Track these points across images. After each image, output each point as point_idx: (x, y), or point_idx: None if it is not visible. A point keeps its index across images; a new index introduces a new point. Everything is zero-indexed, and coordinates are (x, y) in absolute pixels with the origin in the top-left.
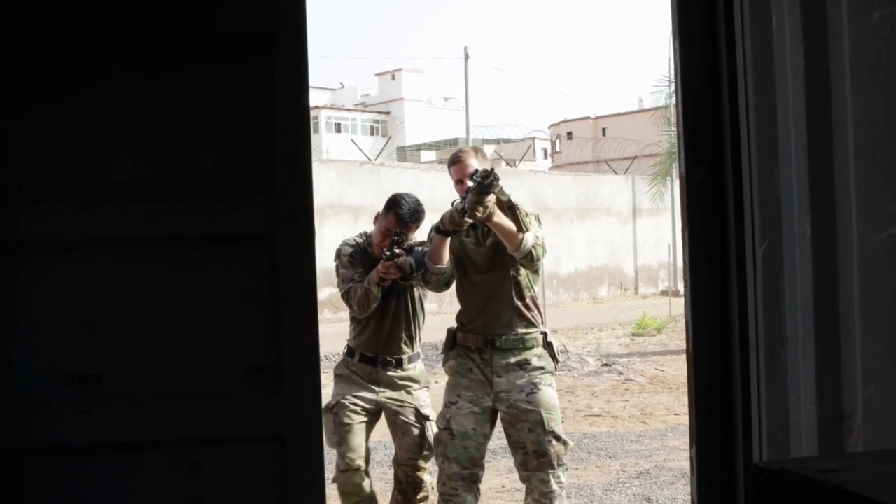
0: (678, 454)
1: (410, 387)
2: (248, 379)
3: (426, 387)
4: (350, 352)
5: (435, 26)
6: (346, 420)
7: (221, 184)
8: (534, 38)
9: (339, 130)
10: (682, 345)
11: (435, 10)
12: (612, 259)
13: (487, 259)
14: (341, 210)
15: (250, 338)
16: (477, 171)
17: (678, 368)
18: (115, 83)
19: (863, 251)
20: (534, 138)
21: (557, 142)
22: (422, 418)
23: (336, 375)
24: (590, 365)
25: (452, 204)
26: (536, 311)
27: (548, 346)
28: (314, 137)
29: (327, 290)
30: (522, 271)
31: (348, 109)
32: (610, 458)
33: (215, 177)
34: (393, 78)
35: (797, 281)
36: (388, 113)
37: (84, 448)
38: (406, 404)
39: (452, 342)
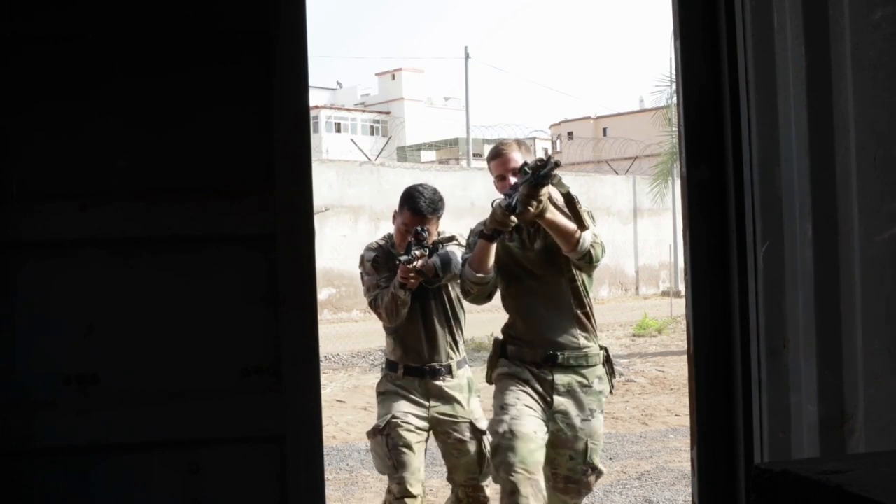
0: (679, 455)
1: (461, 398)
2: (248, 379)
3: (477, 395)
4: (391, 366)
5: (435, 26)
6: (402, 441)
7: (221, 183)
8: (534, 37)
9: (338, 130)
10: (683, 345)
11: (435, 10)
12: (612, 259)
13: (539, 263)
14: (341, 210)
15: (250, 338)
16: (524, 164)
17: (679, 369)
18: (115, 83)
19: (864, 252)
20: (534, 138)
21: (558, 142)
22: (478, 433)
23: (379, 394)
24: None
25: (492, 204)
26: (594, 322)
27: (607, 363)
28: (314, 137)
29: (327, 291)
30: (579, 275)
31: (348, 109)
32: (611, 459)
33: (215, 176)
34: (393, 78)
35: (798, 281)
36: (388, 113)
37: (84, 448)
38: (460, 419)
39: (502, 353)
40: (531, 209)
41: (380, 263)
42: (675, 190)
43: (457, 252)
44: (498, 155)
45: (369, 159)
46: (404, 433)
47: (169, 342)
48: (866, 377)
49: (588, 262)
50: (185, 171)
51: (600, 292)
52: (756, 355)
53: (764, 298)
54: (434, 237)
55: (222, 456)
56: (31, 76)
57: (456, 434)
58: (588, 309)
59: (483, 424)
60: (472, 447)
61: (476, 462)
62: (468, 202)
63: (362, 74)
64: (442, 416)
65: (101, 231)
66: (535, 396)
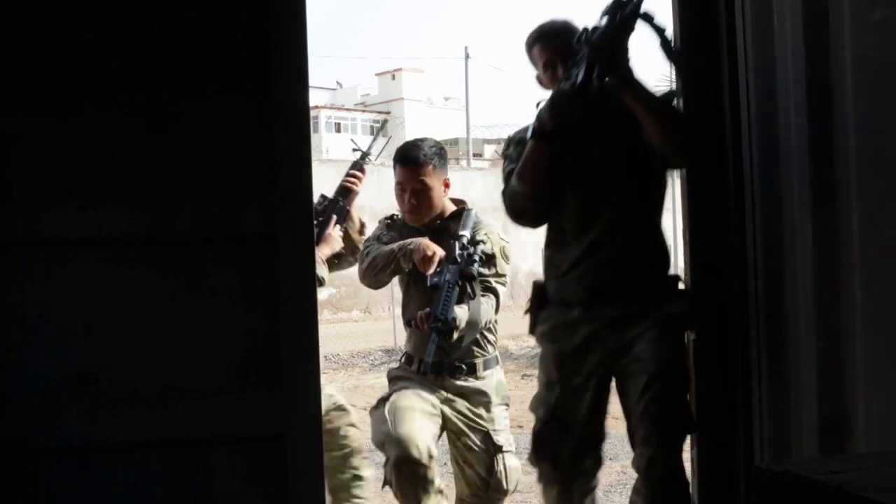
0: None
1: (484, 402)
2: (248, 379)
3: (506, 404)
4: (408, 358)
5: (435, 26)
6: (407, 403)
7: (221, 183)
8: None
9: (338, 130)
10: None
11: (435, 10)
12: None
13: (611, 169)
14: None
15: (250, 338)
16: (579, 36)
17: None
18: (114, 82)
19: (864, 251)
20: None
21: None
22: (493, 447)
23: (390, 380)
24: None
25: (537, 106)
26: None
27: (684, 296)
28: (314, 137)
29: (327, 291)
30: (667, 180)
31: (348, 109)
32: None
33: (215, 177)
34: (393, 78)
35: (798, 281)
36: (388, 113)
37: (84, 448)
38: (476, 425)
39: (543, 299)
40: (614, 72)
41: (393, 226)
42: (675, 190)
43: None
44: (545, 35)
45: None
46: (412, 399)
47: (169, 342)
48: (867, 377)
49: (684, 151)
50: (185, 171)
51: None
52: (756, 355)
53: (764, 298)
54: (438, 202)
55: (222, 456)
56: (30, 76)
57: (466, 439)
58: (661, 229)
59: (503, 439)
60: (482, 460)
61: (482, 480)
62: (468, 202)
63: (362, 74)
64: (455, 414)
65: (100, 231)
66: (589, 358)
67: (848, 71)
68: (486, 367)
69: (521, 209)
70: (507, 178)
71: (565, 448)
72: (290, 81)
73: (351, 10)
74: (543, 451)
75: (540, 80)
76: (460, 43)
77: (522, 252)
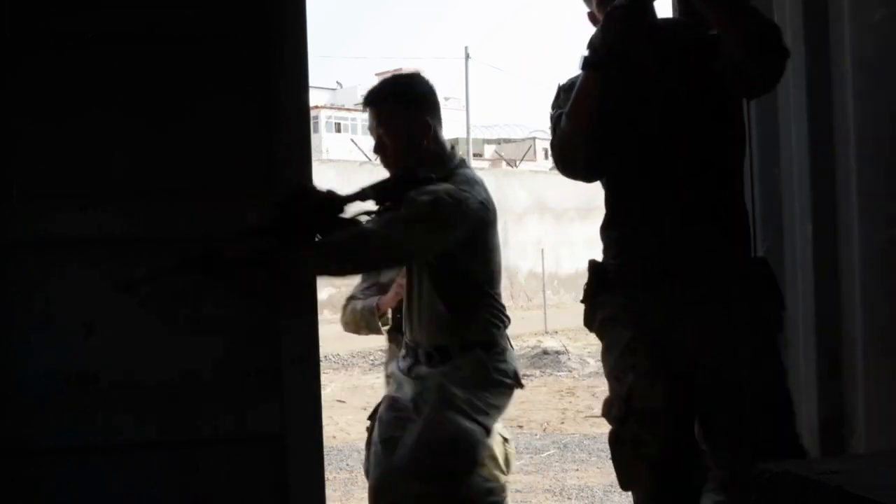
0: None
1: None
2: (248, 379)
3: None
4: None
5: (435, 26)
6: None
7: (221, 184)
8: (534, 37)
9: (338, 130)
10: None
11: (435, 10)
12: None
13: (678, 114)
14: None
15: (250, 338)
16: None
17: None
18: (114, 82)
19: (864, 252)
20: (534, 138)
21: None
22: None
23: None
24: (590, 366)
25: (588, 45)
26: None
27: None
28: (314, 137)
29: (327, 291)
30: (745, 133)
31: (348, 109)
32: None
33: (215, 177)
34: None
35: (798, 281)
36: None
37: (84, 448)
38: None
39: (602, 280)
40: None
41: None
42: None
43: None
44: None
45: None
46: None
47: (169, 342)
48: (866, 377)
49: (764, 53)
50: (185, 171)
51: None
52: None
53: None
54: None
55: (222, 456)
56: (31, 77)
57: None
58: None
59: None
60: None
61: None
62: None
63: (362, 74)
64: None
65: (100, 231)
66: (659, 345)
67: (849, 71)
68: (458, 354)
69: (570, 156)
70: (555, 125)
71: (649, 445)
72: (290, 81)
73: (351, 10)
74: (622, 453)
75: (592, 17)
76: (460, 43)
77: (523, 252)
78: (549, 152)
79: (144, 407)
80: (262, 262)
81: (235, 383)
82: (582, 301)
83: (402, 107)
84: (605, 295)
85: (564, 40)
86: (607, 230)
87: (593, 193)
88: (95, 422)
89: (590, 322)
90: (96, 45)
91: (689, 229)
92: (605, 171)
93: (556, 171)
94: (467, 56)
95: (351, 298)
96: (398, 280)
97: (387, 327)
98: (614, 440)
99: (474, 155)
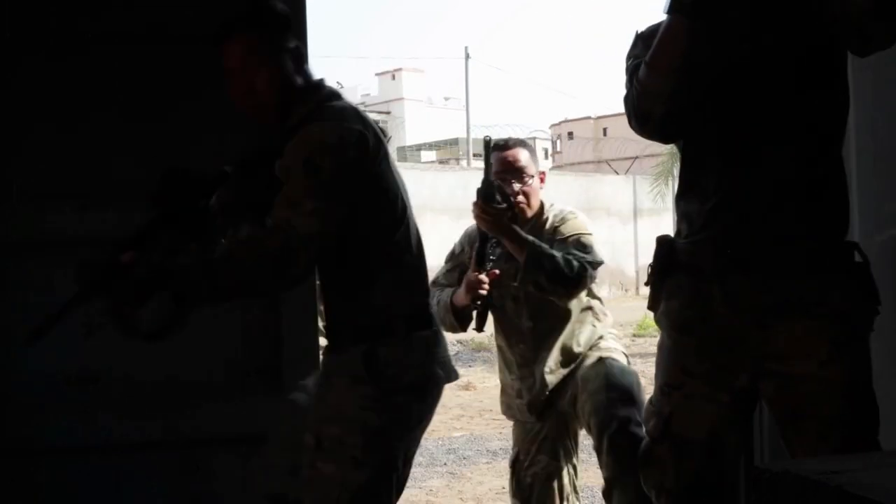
0: None
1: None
2: (248, 379)
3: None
4: None
5: (435, 26)
6: None
7: None
8: (534, 37)
9: None
10: None
11: (435, 10)
12: (612, 259)
13: (776, 72)
14: None
15: (251, 338)
16: None
17: None
18: (114, 82)
19: (865, 252)
20: (534, 138)
21: (558, 142)
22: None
23: None
24: None
25: None
26: None
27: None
28: None
29: None
30: (849, 98)
31: None
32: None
33: None
34: (393, 78)
35: None
36: (388, 113)
37: (84, 448)
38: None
39: (669, 263)
40: None
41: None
42: (675, 190)
43: None
44: None
45: None
46: None
47: (169, 343)
48: None
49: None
50: None
51: (600, 292)
52: None
53: None
54: None
55: (222, 456)
56: (31, 78)
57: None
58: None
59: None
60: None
61: None
62: (468, 202)
63: (362, 74)
64: None
65: (100, 231)
66: (723, 356)
67: (848, 71)
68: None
69: (646, 110)
70: (631, 76)
71: (673, 478)
72: None
73: (351, 10)
74: (649, 477)
75: None
76: (460, 43)
77: None
78: (547, 154)
79: (144, 407)
80: (158, 278)
81: (235, 383)
82: (646, 283)
83: (259, 35)
84: (672, 279)
85: (564, 40)
86: (680, 200)
87: (593, 195)
88: (95, 422)
89: (654, 307)
90: (96, 46)
91: (783, 205)
92: (684, 132)
93: (556, 171)
94: (467, 56)
95: (433, 284)
96: (468, 274)
97: (472, 325)
98: (645, 459)
99: (474, 155)
